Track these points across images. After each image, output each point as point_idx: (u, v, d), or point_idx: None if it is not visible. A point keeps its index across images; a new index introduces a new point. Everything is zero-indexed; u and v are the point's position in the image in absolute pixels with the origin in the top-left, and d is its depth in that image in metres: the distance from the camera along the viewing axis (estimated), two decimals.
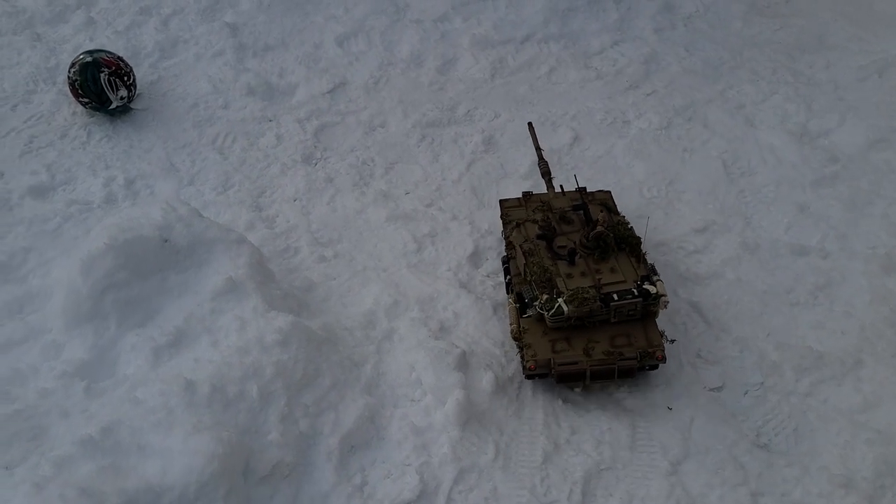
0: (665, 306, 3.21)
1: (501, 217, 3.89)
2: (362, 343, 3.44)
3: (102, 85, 4.71)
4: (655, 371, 3.31)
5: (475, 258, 4.01)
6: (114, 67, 4.75)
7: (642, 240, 3.43)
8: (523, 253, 3.40)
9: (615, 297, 3.12)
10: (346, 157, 4.71)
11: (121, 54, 5.30)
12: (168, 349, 3.08)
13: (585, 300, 3.07)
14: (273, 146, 4.77)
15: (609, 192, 3.92)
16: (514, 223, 3.65)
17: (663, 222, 4.13)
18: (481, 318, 3.63)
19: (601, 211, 3.51)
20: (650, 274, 3.25)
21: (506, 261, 3.68)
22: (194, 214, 3.52)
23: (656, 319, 3.25)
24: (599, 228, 3.30)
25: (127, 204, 4.28)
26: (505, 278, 3.66)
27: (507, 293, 3.56)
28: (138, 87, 5.07)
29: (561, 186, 3.95)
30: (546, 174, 3.99)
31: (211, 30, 5.58)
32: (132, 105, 4.98)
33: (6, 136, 4.79)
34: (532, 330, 3.24)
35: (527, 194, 3.91)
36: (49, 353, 3.13)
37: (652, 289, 3.13)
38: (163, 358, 3.04)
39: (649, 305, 3.17)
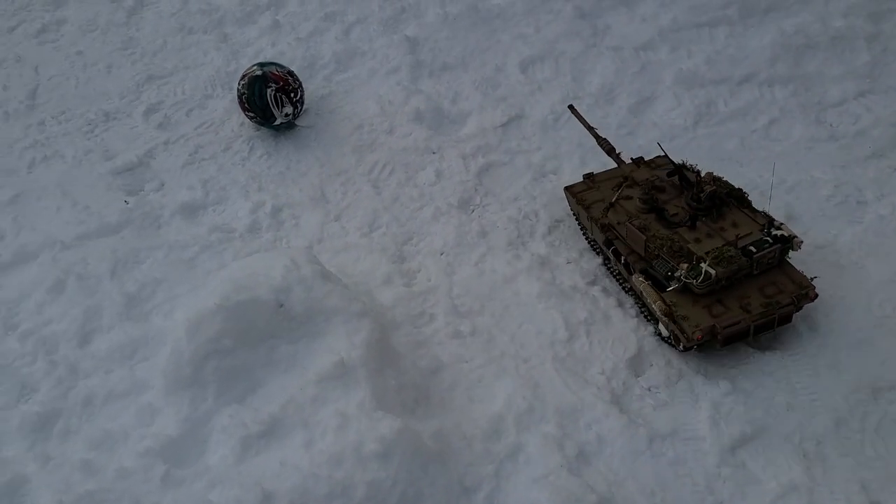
0: (799, 247, 3.18)
1: (577, 203, 3.74)
2: (480, 460, 2.89)
3: (268, 100, 4.50)
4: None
5: (637, 363, 3.30)
6: (282, 83, 4.52)
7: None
8: (638, 229, 3.28)
9: (753, 249, 3.09)
10: (507, 206, 4.14)
11: (299, 63, 5.13)
12: (259, 440, 2.73)
13: (732, 258, 3.04)
14: (431, 184, 4.31)
15: (666, 155, 3.71)
16: (607, 205, 3.53)
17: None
18: (631, 450, 2.94)
19: (697, 171, 3.49)
20: (771, 220, 3.23)
21: (609, 243, 3.51)
22: (317, 276, 3.14)
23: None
24: (710, 187, 3.25)
25: (269, 235, 4.04)
26: (619, 261, 3.48)
27: (629, 274, 3.39)
28: (307, 101, 4.84)
29: (628, 158, 3.88)
30: (611, 151, 3.90)
31: (390, 43, 5.22)
32: (297, 122, 4.75)
33: (176, 142, 4.75)
34: (680, 302, 3.11)
35: (589, 175, 3.87)
36: (144, 418, 2.92)
37: (784, 231, 3.14)
38: (251, 451, 2.71)
39: (785, 249, 3.16)
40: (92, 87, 5.29)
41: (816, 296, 3.13)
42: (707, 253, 3.07)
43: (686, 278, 3.06)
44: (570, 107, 4.17)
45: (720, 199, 3.29)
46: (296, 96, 4.61)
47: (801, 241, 3.19)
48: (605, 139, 3.94)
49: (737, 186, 3.41)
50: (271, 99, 4.50)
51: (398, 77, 5.00)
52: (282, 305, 3.02)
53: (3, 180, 4.51)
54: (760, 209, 3.37)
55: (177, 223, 4.11)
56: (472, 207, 4.18)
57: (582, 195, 3.77)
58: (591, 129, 4.00)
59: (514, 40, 5.14)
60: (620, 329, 3.43)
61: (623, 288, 3.63)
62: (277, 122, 4.61)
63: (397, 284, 3.73)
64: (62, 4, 6.14)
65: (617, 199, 3.50)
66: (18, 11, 6.13)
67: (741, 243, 3.11)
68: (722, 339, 3.07)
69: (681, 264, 3.09)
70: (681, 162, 3.63)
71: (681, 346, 3.19)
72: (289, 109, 4.58)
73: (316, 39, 5.38)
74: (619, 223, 3.42)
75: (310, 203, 4.23)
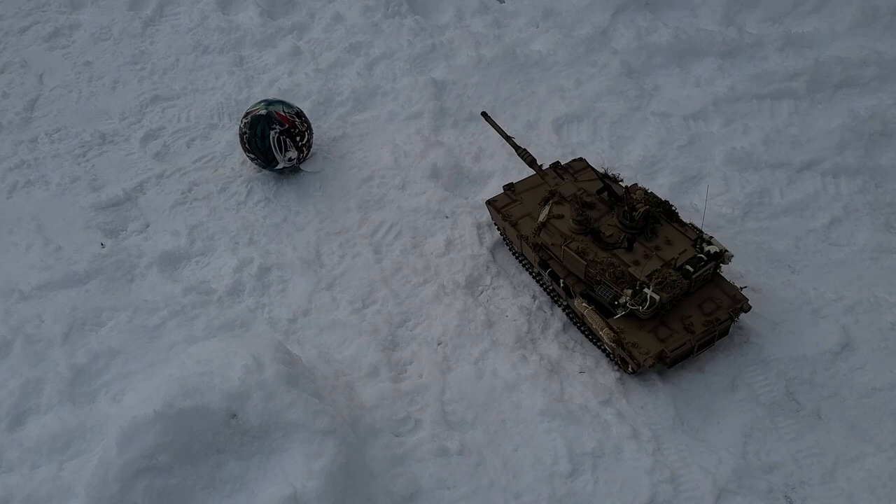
0: (730, 260, 3.20)
1: (503, 220, 3.63)
2: None
3: (271, 143, 4.07)
4: None
5: None
6: (287, 125, 4.09)
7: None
8: (577, 254, 3.20)
9: (690, 268, 3.08)
10: (521, 293, 3.66)
11: (315, 97, 4.72)
12: None
13: (674, 283, 3.02)
14: (439, 254, 3.84)
15: (582, 158, 3.81)
16: (539, 225, 3.41)
17: None
18: None
19: (625, 187, 3.41)
20: (700, 233, 3.23)
21: (545, 265, 3.43)
22: (282, 380, 2.70)
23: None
24: (643, 207, 3.17)
25: (250, 301, 3.61)
26: (558, 283, 3.40)
27: (569, 297, 3.37)
28: (318, 141, 4.43)
29: (544, 169, 3.71)
30: (532, 161, 3.71)
31: (415, 84, 4.76)
32: (302, 166, 4.32)
33: (171, 176, 4.35)
34: (626, 328, 3.10)
35: (509, 186, 3.77)
36: None
37: (713, 248, 3.15)
38: None
39: (718, 264, 3.19)
40: (93, 104, 4.93)
41: (750, 307, 3.19)
42: (649, 277, 3.05)
43: (631, 305, 3.05)
44: (484, 113, 3.99)
45: (654, 218, 3.27)
46: (302, 140, 4.18)
47: (732, 256, 3.22)
48: (524, 150, 3.75)
49: (665, 199, 3.39)
50: (274, 142, 4.08)
51: (419, 124, 4.53)
52: (234, 416, 2.59)
53: None
54: (688, 221, 3.36)
55: (152, 277, 3.70)
56: (480, 289, 3.70)
57: (507, 210, 3.66)
58: (508, 138, 3.83)
59: (550, 94, 4.64)
60: (633, 469, 2.92)
61: (558, 305, 3.60)
62: (280, 166, 4.19)
63: (384, 378, 3.27)
64: (79, 7, 5.81)
65: (547, 218, 3.40)
66: (34, 11, 5.81)
67: (678, 263, 3.10)
68: (670, 362, 3.15)
69: (625, 290, 3.08)
70: (603, 171, 3.66)
71: (629, 370, 3.19)
72: (293, 154, 4.16)
73: (336, 72, 4.95)
74: (553, 244, 3.34)
75: (301, 266, 3.79)
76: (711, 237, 3.22)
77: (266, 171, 4.29)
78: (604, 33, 4.93)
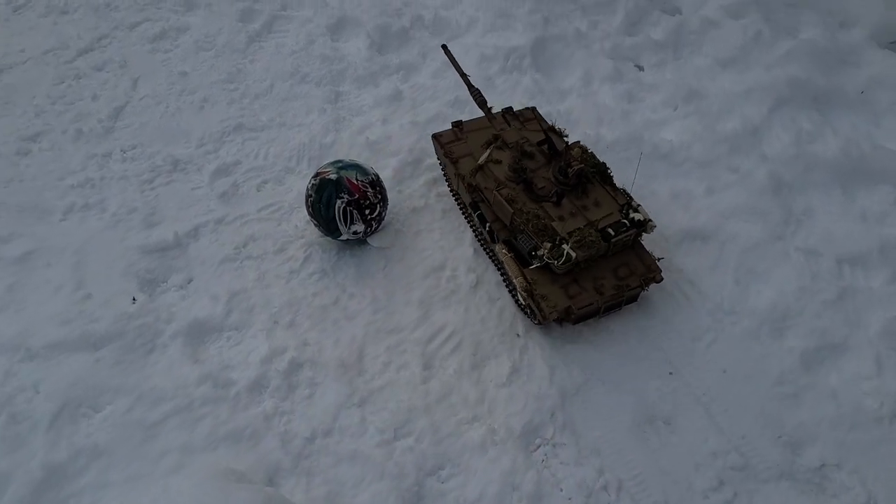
0: (652, 230, 3.22)
1: (445, 156, 3.69)
2: None
3: (335, 213, 3.57)
4: None
5: None
6: (357, 195, 3.57)
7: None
8: (506, 201, 3.26)
9: (611, 231, 3.13)
10: (587, 460, 2.97)
11: (403, 155, 4.19)
12: None
13: (591, 242, 3.06)
14: (499, 384, 3.21)
15: (534, 108, 3.85)
16: (477, 166, 3.48)
17: None
18: None
19: (565, 143, 3.45)
20: (629, 200, 3.25)
21: (475, 206, 3.53)
22: None
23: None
24: (578, 165, 3.25)
25: (269, 405, 3.11)
26: (483, 226, 3.52)
27: (492, 242, 3.47)
28: (396, 209, 3.93)
29: (495, 113, 3.74)
30: (483, 103, 3.69)
31: None
32: (370, 239, 3.80)
33: (231, 223, 3.95)
34: (540, 280, 3.17)
35: (457, 123, 3.80)
36: None
37: (638, 216, 3.17)
38: None
39: (641, 233, 3.23)
40: (177, 122, 4.61)
41: (662, 279, 3.27)
42: (570, 234, 3.11)
43: (548, 258, 3.10)
44: (444, 46, 3.94)
45: (586, 177, 3.32)
46: (372, 213, 3.65)
47: (655, 226, 3.25)
48: (477, 90, 3.72)
49: (601, 161, 3.41)
50: (339, 212, 3.57)
51: None
52: None
53: (30, 225, 3.90)
54: (621, 187, 3.38)
55: (173, 351, 3.28)
56: (537, 443, 3.04)
57: (450, 147, 3.70)
58: (463, 75, 3.78)
59: (673, 199, 3.87)
60: None
61: (485, 252, 3.70)
62: (343, 237, 3.68)
63: None
64: (193, 8, 5.54)
65: (486, 161, 3.46)
66: (147, 7, 5.60)
67: (601, 225, 3.15)
68: (574, 319, 3.23)
69: (544, 243, 3.12)
70: (550, 124, 3.62)
71: (536, 321, 3.28)
72: (359, 228, 3.64)
73: (434, 128, 4.37)
74: (486, 188, 3.41)
75: (337, 369, 3.26)
76: (639, 205, 3.25)
77: (329, 238, 3.80)
78: (755, 132, 4.09)
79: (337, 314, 3.51)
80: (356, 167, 3.69)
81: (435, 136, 3.80)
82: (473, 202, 3.54)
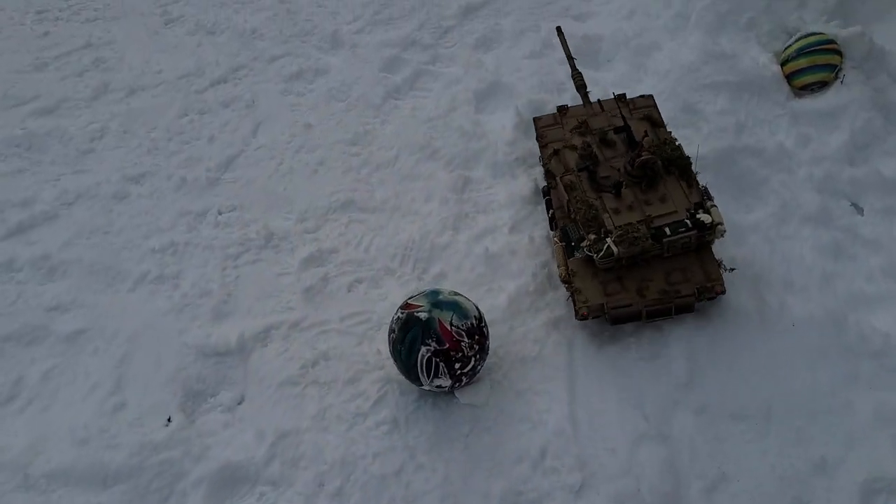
0: (722, 235, 2.95)
1: (537, 139, 3.67)
2: None
3: (417, 361, 2.85)
4: None
5: None
6: (449, 345, 2.83)
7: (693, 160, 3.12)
8: (565, 187, 3.16)
9: (667, 230, 2.89)
10: None
11: (527, 280, 3.42)
12: None
13: (636, 239, 2.87)
14: None
15: (651, 97, 3.65)
16: (552, 150, 3.45)
17: None
18: None
19: (645, 131, 3.26)
20: (704, 199, 2.99)
21: (546, 192, 3.50)
22: None
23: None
24: (645, 155, 3.01)
25: None
26: (548, 212, 3.46)
27: (551, 229, 3.39)
28: (500, 351, 3.16)
29: (598, 101, 3.65)
30: (582, 87, 3.67)
31: None
32: (458, 393, 3.04)
33: (307, 329, 3.36)
34: (581, 272, 3.03)
35: (562, 108, 3.73)
36: None
37: (707, 218, 2.89)
38: None
39: (704, 236, 2.91)
40: (284, 186, 4.09)
41: (724, 291, 2.92)
42: (617, 227, 2.91)
43: (589, 251, 2.95)
44: (558, 28, 3.94)
45: (654, 170, 3.03)
46: (463, 367, 2.89)
47: (725, 230, 2.93)
48: (579, 73, 3.72)
49: (685, 155, 3.12)
50: (422, 362, 2.85)
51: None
52: None
53: (96, 293, 3.51)
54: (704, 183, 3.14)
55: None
56: None
57: (543, 131, 3.66)
58: (570, 57, 3.79)
59: (877, 421, 2.79)
60: None
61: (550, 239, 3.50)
62: (424, 387, 2.96)
63: None
64: (337, 47, 5.02)
65: (563, 147, 3.39)
66: (293, 39, 5.15)
67: (657, 222, 2.91)
68: (611, 318, 3.02)
69: (589, 234, 2.97)
70: (653, 108, 3.56)
71: (576, 316, 3.01)
72: (444, 382, 2.90)
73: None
74: (556, 174, 3.31)
75: None
76: (714, 206, 2.96)
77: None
78: None
79: (396, 490, 2.79)
80: (455, 307, 2.93)
81: (535, 119, 3.77)
82: (546, 187, 3.51)
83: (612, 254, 2.89)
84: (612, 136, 3.34)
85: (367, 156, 4.21)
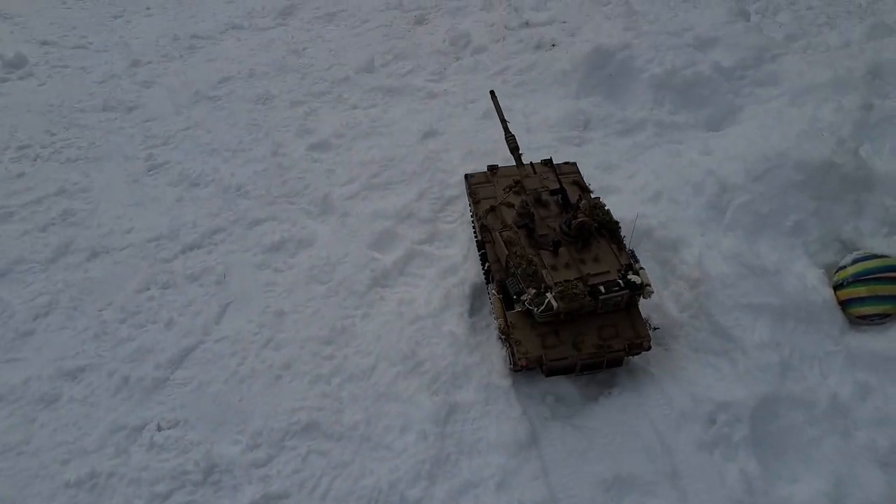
0: (649, 296, 3.12)
1: (470, 195, 3.86)
2: None
3: None
4: None
5: None
6: None
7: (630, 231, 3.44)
8: (505, 243, 3.31)
9: (602, 289, 3.06)
10: None
11: None
12: None
13: (575, 295, 3.01)
14: None
15: (575, 164, 3.96)
16: (490, 206, 3.63)
17: None
18: None
19: (579, 195, 3.51)
20: (632, 262, 3.18)
21: (481, 245, 3.66)
22: None
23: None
24: (582, 218, 3.24)
25: None
26: (483, 265, 3.66)
27: (487, 282, 3.55)
28: None
29: (531, 162, 3.87)
30: (515, 149, 3.82)
31: None
32: None
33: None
34: (520, 324, 3.17)
35: (493, 168, 3.92)
36: None
37: (637, 279, 3.07)
38: None
39: (635, 295, 3.11)
40: (240, 396, 3.49)
41: (650, 347, 3.14)
42: (556, 284, 3.04)
43: (529, 305, 3.05)
44: (492, 92, 4.15)
45: (589, 231, 3.25)
46: None
47: (653, 291, 3.11)
48: (512, 136, 3.86)
49: (614, 220, 3.35)
50: None
51: None
52: None
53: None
54: (630, 249, 3.31)
55: None
56: None
57: (476, 188, 3.85)
58: (504, 121, 3.93)
59: None
60: None
61: (487, 291, 3.68)
62: None
63: None
64: (327, 213, 4.50)
65: (500, 203, 3.57)
66: (279, 199, 4.65)
67: (592, 281, 3.08)
68: (546, 370, 3.17)
69: (529, 289, 3.07)
70: (586, 185, 3.82)
71: (510, 366, 3.25)
72: None
73: None
74: (493, 229, 3.48)
75: None
76: (642, 269, 3.13)
77: None
78: None
79: None
80: None
81: (467, 176, 3.96)
82: (480, 241, 3.67)
83: (553, 308, 3.01)
84: (546, 196, 3.52)
85: (340, 360, 3.60)
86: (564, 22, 6.43)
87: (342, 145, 5.10)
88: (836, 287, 3.40)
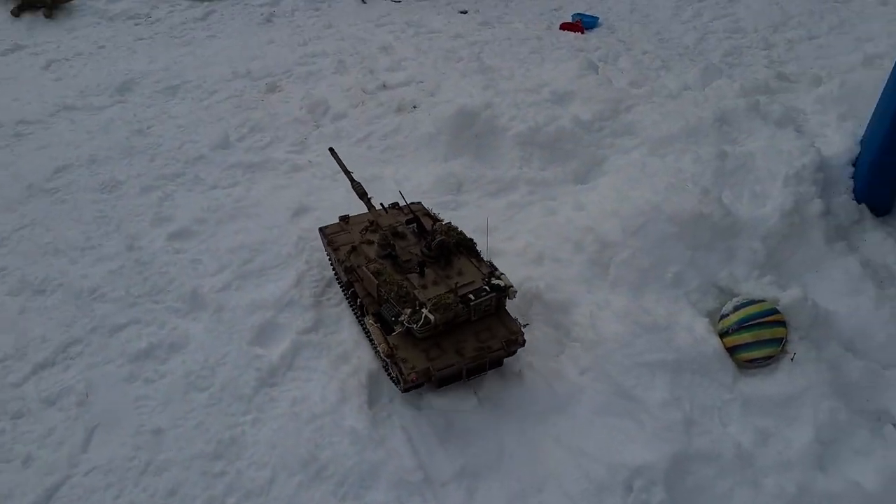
0: (514, 296, 3.45)
1: (328, 245, 4.02)
2: None
3: None
4: None
5: None
6: None
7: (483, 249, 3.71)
8: (372, 274, 3.50)
9: (472, 297, 3.33)
10: None
11: None
12: None
13: (448, 306, 3.26)
14: None
15: (420, 203, 4.28)
16: (350, 247, 3.82)
17: None
18: None
19: (433, 219, 3.98)
20: (493, 270, 3.52)
21: (347, 287, 3.80)
22: None
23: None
24: (440, 237, 3.56)
25: None
26: (352, 306, 3.87)
27: (363, 316, 3.64)
28: None
29: (382, 205, 4.19)
30: (363, 195, 4.14)
31: None
32: None
33: None
34: (402, 345, 3.32)
35: (344, 217, 4.15)
36: None
37: (500, 282, 3.40)
38: None
39: (501, 298, 3.42)
40: None
41: (525, 342, 3.39)
42: (429, 299, 3.28)
43: (408, 323, 3.25)
44: (331, 149, 4.46)
45: (448, 249, 3.58)
46: None
47: (516, 291, 3.46)
48: (358, 183, 4.17)
49: (469, 237, 3.69)
50: None
51: None
52: None
53: None
54: (487, 259, 3.62)
55: None
56: None
57: (333, 237, 4.03)
58: (347, 172, 4.26)
59: None
60: None
61: (361, 328, 3.84)
62: None
63: None
64: (197, 309, 4.16)
65: (360, 242, 3.81)
66: (141, 300, 4.25)
67: (461, 291, 3.35)
68: (436, 381, 3.37)
69: (405, 309, 3.28)
70: (425, 211, 4.13)
71: (401, 387, 3.37)
72: None
73: None
74: (359, 266, 3.67)
75: None
76: (502, 274, 3.48)
77: None
78: None
79: None
80: None
81: (321, 229, 4.13)
82: (348, 281, 3.75)
83: (430, 322, 3.24)
84: (402, 228, 3.85)
85: (234, 476, 3.27)
86: (421, 82, 6.43)
87: (206, 231, 4.76)
88: (722, 334, 3.52)
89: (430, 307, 3.24)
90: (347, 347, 3.85)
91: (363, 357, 3.77)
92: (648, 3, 9.69)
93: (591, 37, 8.49)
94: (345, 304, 4.13)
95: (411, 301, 3.31)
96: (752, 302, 3.51)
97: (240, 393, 3.66)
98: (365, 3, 9.70)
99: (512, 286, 3.42)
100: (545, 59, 6.95)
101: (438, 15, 9.15)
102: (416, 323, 3.22)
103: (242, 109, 6.37)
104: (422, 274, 3.50)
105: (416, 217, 3.92)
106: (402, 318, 3.28)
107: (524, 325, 3.46)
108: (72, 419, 3.59)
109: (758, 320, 3.42)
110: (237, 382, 3.71)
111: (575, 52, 7.42)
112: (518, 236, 4.53)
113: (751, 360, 3.45)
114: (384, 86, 6.44)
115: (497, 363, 3.49)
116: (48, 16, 8.32)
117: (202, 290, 4.25)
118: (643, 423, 3.29)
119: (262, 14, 9.01)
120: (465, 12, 9.44)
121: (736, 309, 3.52)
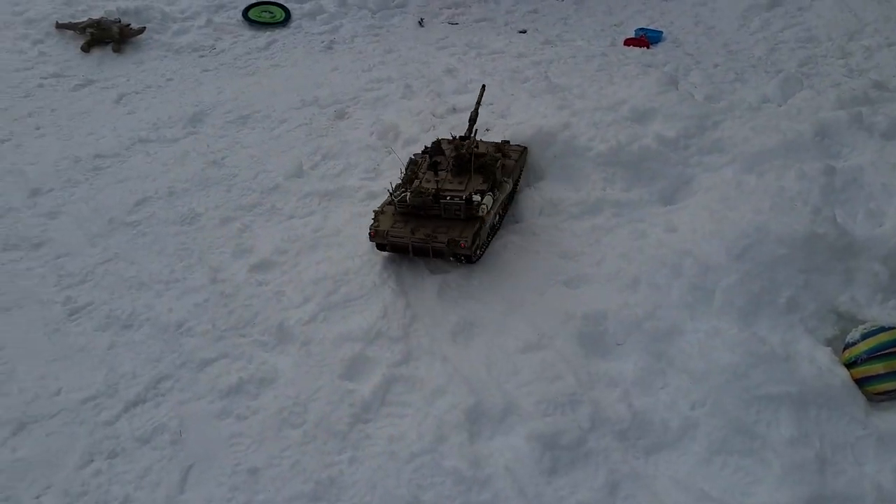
0: (483, 212, 4.21)
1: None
2: None
3: None
4: None
5: None
6: None
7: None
8: (409, 162, 4.72)
9: (447, 197, 4.21)
10: None
11: None
12: None
13: (421, 193, 4.23)
14: None
15: (526, 148, 5.12)
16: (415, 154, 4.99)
17: None
18: None
19: (486, 149, 4.74)
20: (487, 190, 4.29)
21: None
22: None
23: (485, 227, 4.28)
24: (462, 152, 4.45)
25: None
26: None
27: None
28: None
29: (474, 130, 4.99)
30: (473, 121, 4.98)
31: None
32: None
33: None
34: (387, 213, 4.40)
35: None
36: None
37: (476, 198, 4.19)
38: None
39: (471, 209, 4.20)
40: None
41: (467, 249, 4.09)
42: (417, 187, 4.26)
43: (392, 196, 4.35)
44: (483, 86, 5.45)
45: (465, 163, 4.43)
46: None
47: (485, 207, 4.21)
48: (477, 114, 5.07)
49: (494, 168, 4.47)
50: None
51: None
52: None
53: None
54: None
55: None
56: None
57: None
58: (479, 104, 5.19)
59: None
60: None
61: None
62: None
63: None
64: (285, 342, 4.07)
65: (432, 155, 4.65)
66: (228, 333, 4.20)
67: (445, 193, 4.24)
68: (389, 246, 4.33)
69: (400, 188, 4.37)
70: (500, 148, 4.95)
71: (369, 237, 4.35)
72: None
73: None
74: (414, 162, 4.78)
75: None
76: (489, 195, 4.29)
77: None
78: None
79: None
80: None
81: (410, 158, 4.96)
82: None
83: (405, 200, 4.26)
84: (457, 144, 4.66)
85: None
86: (491, 104, 6.32)
87: (287, 262, 4.70)
88: (849, 365, 3.28)
89: (411, 190, 4.23)
90: (441, 382, 3.72)
91: (458, 392, 3.62)
92: (712, 16, 9.45)
93: (658, 51, 8.30)
94: (434, 335, 4.00)
95: (409, 184, 4.38)
96: (882, 329, 3.26)
97: (334, 430, 3.55)
98: (423, 26, 9.67)
99: (484, 205, 4.19)
100: (613, 75, 6.77)
101: (498, 35, 9.05)
102: (396, 198, 4.28)
103: (313, 137, 6.34)
104: (435, 172, 4.43)
105: (467, 136, 4.78)
106: (395, 194, 4.34)
107: (475, 242, 4.15)
108: (167, 458, 3.52)
109: (891, 349, 3.17)
110: (330, 419, 3.60)
111: (644, 68, 7.21)
112: (606, 260, 4.36)
113: (883, 393, 3.20)
114: (454, 109, 6.35)
115: (439, 254, 4.22)
116: (116, 50, 8.47)
117: (288, 323, 4.17)
118: (769, 462, 3.07)
119: (322, 42, 9.04)
120: (524, 32, 9.33)
121: (864, 337, 3.27)
